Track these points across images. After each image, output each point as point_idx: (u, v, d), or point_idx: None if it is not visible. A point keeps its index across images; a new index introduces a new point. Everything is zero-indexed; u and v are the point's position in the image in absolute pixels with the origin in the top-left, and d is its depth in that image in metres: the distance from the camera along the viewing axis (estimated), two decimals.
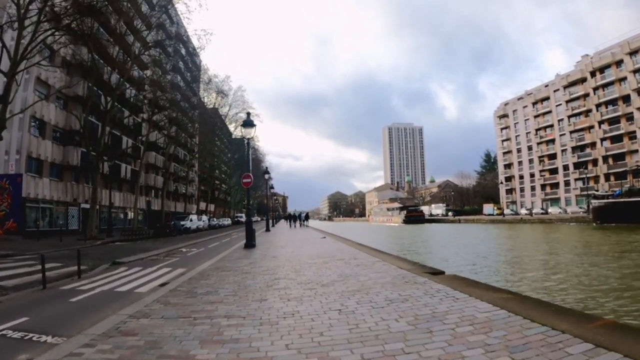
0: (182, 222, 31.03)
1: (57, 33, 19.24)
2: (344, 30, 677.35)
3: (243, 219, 71.07)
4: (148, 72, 35.53)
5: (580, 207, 53.75)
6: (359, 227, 65.90)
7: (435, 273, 6.49)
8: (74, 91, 26.64)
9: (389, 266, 7.40)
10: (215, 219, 50.22)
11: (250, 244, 13.76)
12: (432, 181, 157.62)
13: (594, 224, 32.87)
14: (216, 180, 62.33)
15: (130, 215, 35.19)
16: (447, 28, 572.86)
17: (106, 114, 22.12)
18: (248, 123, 14.54)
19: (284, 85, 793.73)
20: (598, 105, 55.11)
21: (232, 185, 69.12)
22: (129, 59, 23.57)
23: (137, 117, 36.75)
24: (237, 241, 18.60)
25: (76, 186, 28.05)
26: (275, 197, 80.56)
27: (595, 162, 55.77)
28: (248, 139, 14.86)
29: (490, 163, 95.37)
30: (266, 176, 31.86)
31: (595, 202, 33.02)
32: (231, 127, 57.10)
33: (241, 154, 59.78)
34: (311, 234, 23.38)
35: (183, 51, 52.38)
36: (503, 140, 76.08)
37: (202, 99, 46.14)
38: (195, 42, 32.69)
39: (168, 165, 37.16)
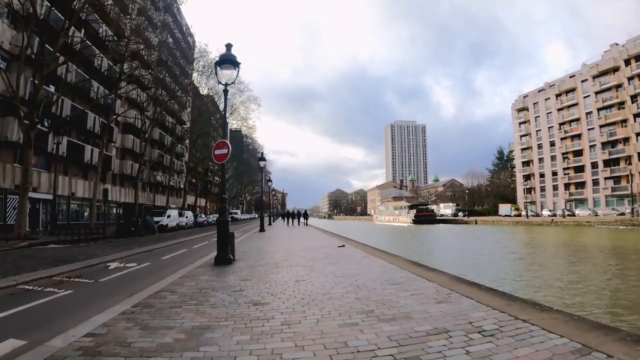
0: (156, 219, 25.03)
1: None
2: (333, 19, 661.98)
3: (237, 216, 65.32)
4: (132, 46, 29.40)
5: (614, 209, 48.07)
6: (366, 228, 60.08)
7: None
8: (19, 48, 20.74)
9: None
10: (204, 215, 44.25)
11: (223, 258, 8.03)
12: (436, 180, 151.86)
13: None
14: (209, 172, 56.32)
15: (103, 209, 29.47)
16: (442, 18, 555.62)
17: (43, 65, 16.09)
18: (227, 59, 8.83)
19: (273, 79, 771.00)
20: (633, 97, 49.49)
21: (227, 179, 63.10)
22: None
23: (111, 92, 30.85)
24: (212, 248, 12.81)
25: (20, 169, 22.10)
26: (274, 193, 74.53)
27: (628, 160, 50.10)
28: (226, 84, 9.10)
29: (503, 161, 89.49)
30: (262, 163, 25.59)
31: None
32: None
33: (238, 142, 53.71)
34: (319, 238, 17.55)
35: (176, 31, 46.70)
36: (522, 136, 70.03)
37: (193, 79, 40.25)
38: None
39: (144, 149, 31.13)
